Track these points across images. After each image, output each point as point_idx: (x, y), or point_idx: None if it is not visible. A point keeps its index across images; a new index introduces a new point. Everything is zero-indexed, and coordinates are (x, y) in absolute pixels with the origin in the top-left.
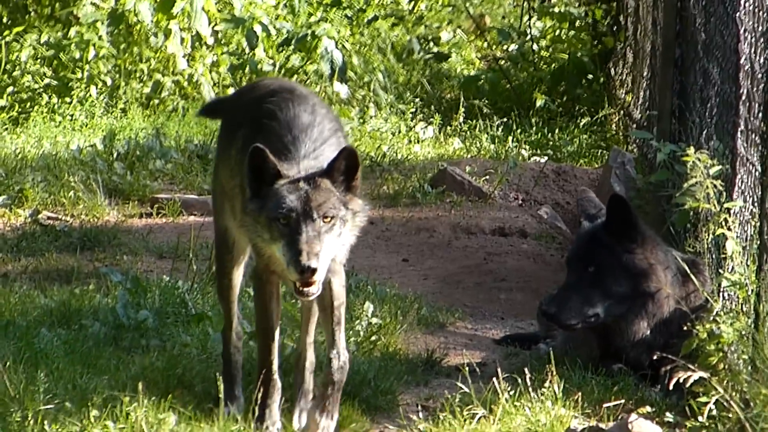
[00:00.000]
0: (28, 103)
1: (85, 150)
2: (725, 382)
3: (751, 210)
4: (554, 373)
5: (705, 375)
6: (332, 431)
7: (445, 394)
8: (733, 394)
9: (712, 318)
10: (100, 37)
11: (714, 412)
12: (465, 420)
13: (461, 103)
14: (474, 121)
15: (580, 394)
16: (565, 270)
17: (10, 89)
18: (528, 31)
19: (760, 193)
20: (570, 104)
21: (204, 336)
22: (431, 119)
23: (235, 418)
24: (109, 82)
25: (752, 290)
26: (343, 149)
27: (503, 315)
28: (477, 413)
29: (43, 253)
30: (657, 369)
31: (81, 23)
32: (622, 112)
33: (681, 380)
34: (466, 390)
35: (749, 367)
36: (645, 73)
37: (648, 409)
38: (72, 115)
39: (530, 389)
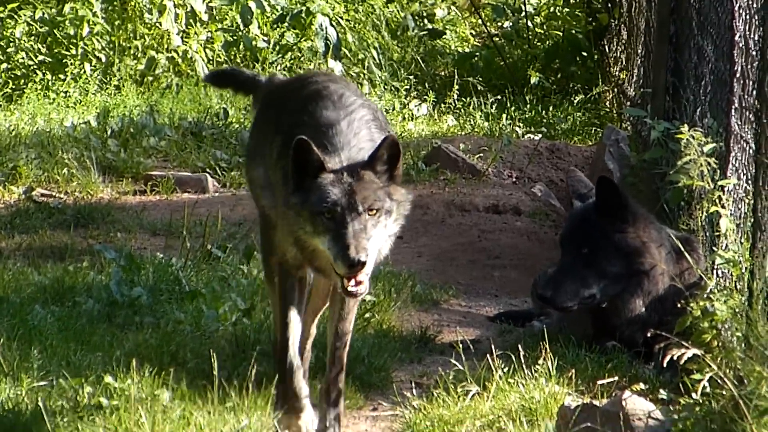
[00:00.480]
0: (22, 80)
1: (79, 127)
2: (719, 359)
3: (745, 188)
4: (548, 350)
5: (699, 352)
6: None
7: (438, 371)
8: (727, 371)
9: (705, 295)
10: (94, 14)
11: (708, 389)
12: (459, 397)
13: (455, 81)
14: (468, 98)
15: (573, 371)
16: (559, 250)
17: (4, 66)
18: (522, 8)
19: (753, 170)
20: (564, 81)
21: (198, 313)
22: (425, 96)
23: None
24: (103, 58)
25: (746, 268)
26: (384, 138)
27: (497, 292)
28: (471, 390)
29: (36, 230)
30: (651, 346)
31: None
32: (616, 89)
33: (675, 357)
34: (460, 367)
35: (743, 345)
36: (639, 51)
37: (642, 386)
38: (66, 92)
39: (524, 366)
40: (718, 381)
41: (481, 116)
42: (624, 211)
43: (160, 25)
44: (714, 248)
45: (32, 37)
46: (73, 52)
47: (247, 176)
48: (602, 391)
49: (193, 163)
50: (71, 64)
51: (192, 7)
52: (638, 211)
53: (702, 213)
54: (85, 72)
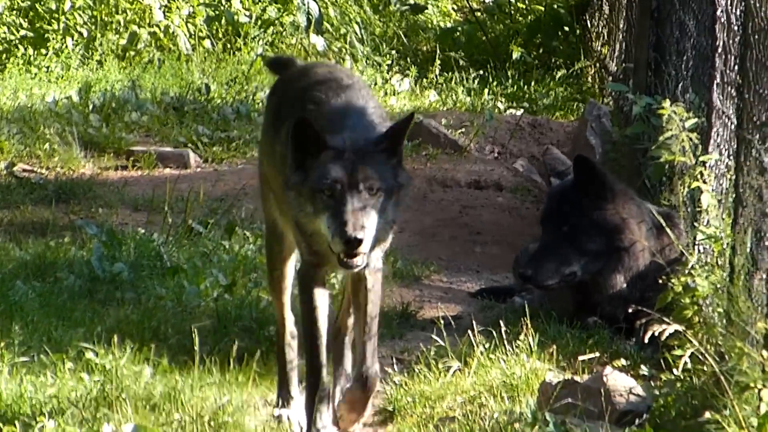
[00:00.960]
0: (4, 55)
1: (61, 102)
2: (700, 335)
3: (727, 163)
4: (529, 326)
5: (680, 328)
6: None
7: (420, 347)
8: (708, 347)
9: (687, 271)
10: None
11: (689, 365)
12: (440, 373)
13: (437, 56)
14: (450, 73)
15: (555, 347)
16: (540, 229)
17: None
18: None
19: (735, 146)
20: (546, 56)
21: (179, 289)
22: (407, 71)
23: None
24: (85, 33)
25: (727, 243)
26: (410, 114)
27: (478, 268)
28: (452, 366)
29: (18, 205)
30: (632, 322)
31: None
32: (598, 64)
33: (656, 333)
34: (441, 343)
35: (724, 321)
36: (621, 25)
37: (623, 362)
38: (48, 67)
39: (505, 342)
40: (699, 357)
41: (463, 91)
42: (602, 188)
43: None
44: (695, 224)
45: (14, 12)
46: (55, 26)
47: (259, 176)
48: (583, 367)
49: (175, 139)
50: (53, 38)
51: None
52: (617, 188)
53: (683, 188)
54: (67, 47)
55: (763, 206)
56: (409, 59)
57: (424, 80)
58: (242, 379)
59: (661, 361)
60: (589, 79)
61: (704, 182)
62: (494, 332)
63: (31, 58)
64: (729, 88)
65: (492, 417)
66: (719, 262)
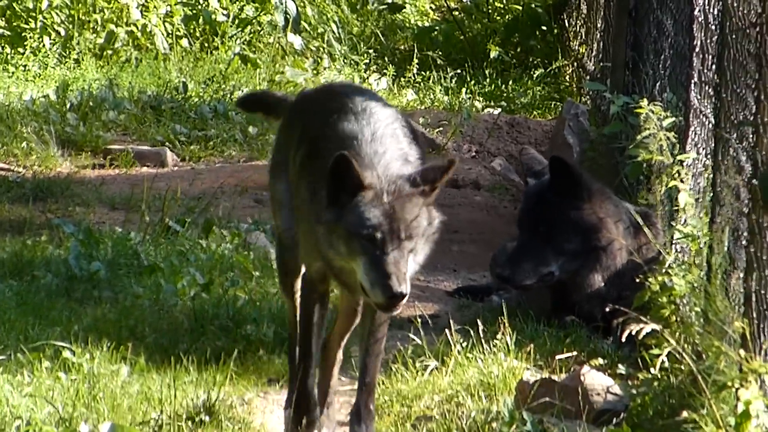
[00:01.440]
0: None
1: (38, 101)
2: (677, 334)
3: (704, 162)
4: (507, 325)
5: (657, 327)
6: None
7: (397, 346)
8: (686, 346)
9: (664, 270)
10: None
11: (666, 364)
12: (417, 372)
13: (415, 55)
14: (428, 72)
15: (532, 346)
16: (517, 228)
17: None
18: None
19: (713, 145)
20: (524, 56)
21: (156, 287)
22: (385, 71)
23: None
24: (62, 32)
25: (705, 242)
26: (450, 162)
27: (456, 267)
28: (429, 365)
29: None
30: (609, 321)
31: None
32: (575, 63)
33: (633, 332)
34: (419, 342)
35: (701, 320)
36: (599, 25)
37: (600, 361)
38: (25, 66)
39: (483, 341)
40: (677, 356)
41: (440, 90)
42: (579, 188)
43: None
44: (673, 223)
45: None
46: (32, 25)
47: (270, 191)
48: (561, 365)
49: (153, 137)
50: (30, 37)
51: None
52: (594, 187)
53: (661, 187)
54: (44, 45)
55: (741, 205)
56: (386, 58)
57: (402, 79)
58: (219, 378)
59: (639, 360)
60: (567, 78)
61: (682, 181)
62: (471, 331)
63: (9, 57)
64: (706, 88)
65: (469, 416)
66: (696, 261)
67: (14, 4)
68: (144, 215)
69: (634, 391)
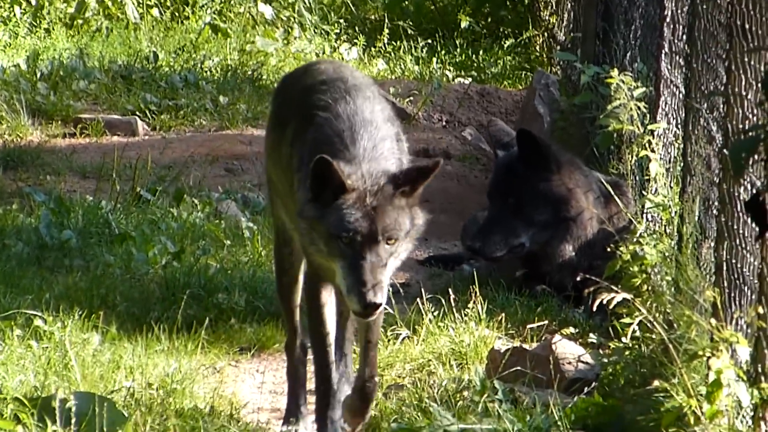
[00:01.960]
0: None
1: (9, 70)
2: (649, 303)
3: (675, 132)
4: (478, 294)
5: (628, 296)
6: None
7: None
8: (657, 315)
9: (635, 239)
10: None
11: (637, 333)
12: (389, 341)
13: (386, 24)
14: (398, 42)
15: (503, 315)
16: (487, 201)
17: None
18: None
19: (683, 115)
20: (494, 26)
21: (127, 256)
22: (355, 40)
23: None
24: (33, 1)
25: (676, 212)
26: (436, 162)
27: (427, 236)
28: (401, 334)
29: None
30: (580, 290)
31: None
32: (546, 33)
33: (604, 301)
34: (390, 311)
35: (672, 289)
36: None
37: (571, 330)
38: None
39: (454, 310)
40: (648, 325)
41: (411, 60)
42: (547, 160)
43: None
44: (644, 192)
45: None
46: None
47: (266, 176)
48: (532, 334)
49: (123, 107)
50: (1, 7)
51: None
52: (563, 158)
53: (632, 157)
54: (14, 15)
55: (711, 175)
56: (357, 28)
57: (373, 49)
58: (191, 347)
59: (610, 329)
60: (538, 48)
61: (652, 151)
62: (443, 300)
63: None
64: (677, 58)
65: (441, 385)
66: (667, 231)
67: None
68: (115, 184)
69: (605, 360)
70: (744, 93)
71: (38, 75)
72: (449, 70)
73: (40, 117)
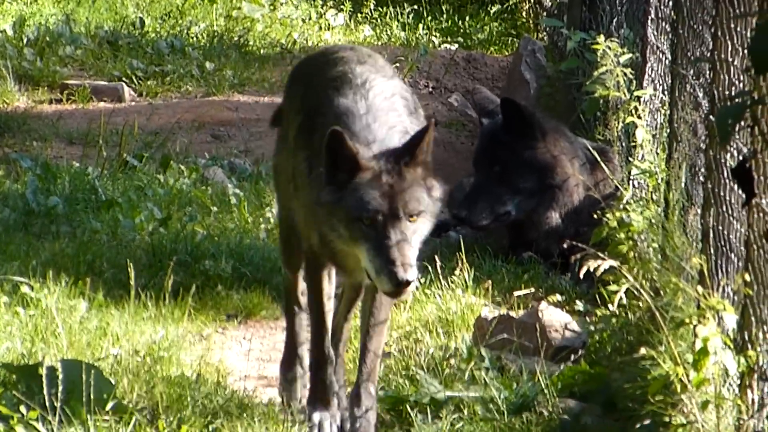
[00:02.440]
0: None
1: None
2: (635, 270)
3: (661, 98)
4: (464, 261)
5: (615, 263)
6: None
7: None
8: (643, 282)
9: (622, 206)
10: None
11: (624, 301)
12: None
13: None
14: (384, 8)
15: (490, 282)
16: (473, 169)
17: None
18: None
19: (669, 81)
20: None
21: (114, 222)
22: (342, 6)
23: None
24: None
25: (662, 178)
26: (426, 127)
27: None
28: None
29: None
30: (567, 258)
31: None
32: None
33: (591, 269)
34: None
35: (659, 256)
36: None
37: (558, 297)
38: None
39: (440, 277)
40: (635, 292)
41: (397, 26)
42: (531, 128)
43: None
44: (630, 159)
45: None
46: None
47: (272, 162)
48: (519, 302)
49: (110, 72)
50: None
51: None
52: (548, 126)
53: (618, 123)
54: None
55: (698, 141)
56: None
57: (359, 15)
58: (178, 314)
59: (596, 296)
60: (524, 14)
61: (639, 117)
62: (429, 267)
63: None
64: (663, 24)
65: (427, 352)
66: (654, 197)
67: None
68: (101, 150)
69: (592, 328)
70: (730, 59)
71: (25, 41)
72: (435, 36)
73: (27, 83)
